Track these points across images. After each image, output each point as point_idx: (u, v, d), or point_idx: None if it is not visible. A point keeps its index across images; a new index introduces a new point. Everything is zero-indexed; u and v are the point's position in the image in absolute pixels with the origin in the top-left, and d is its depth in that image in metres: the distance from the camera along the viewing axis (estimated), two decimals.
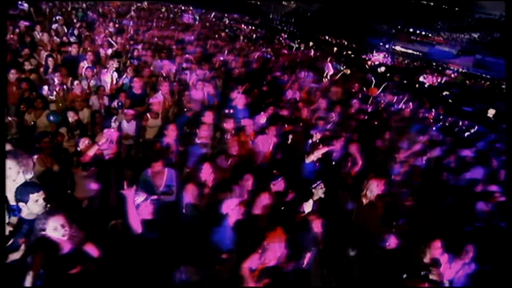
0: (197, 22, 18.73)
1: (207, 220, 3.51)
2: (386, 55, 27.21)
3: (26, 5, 11.13)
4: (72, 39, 9.00)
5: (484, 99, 16.03)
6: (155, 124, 5.54)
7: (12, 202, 2.84)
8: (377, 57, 25.62)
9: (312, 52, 16.07)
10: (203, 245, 3.32)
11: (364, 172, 5.16)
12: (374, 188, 4.32)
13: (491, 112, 13.84)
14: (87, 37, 8.72)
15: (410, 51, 30.81)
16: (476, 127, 9.99)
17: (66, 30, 9.58)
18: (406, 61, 27.38)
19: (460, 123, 10.71)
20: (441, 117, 10.48)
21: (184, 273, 3.25)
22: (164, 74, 7.65)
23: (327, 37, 26.59)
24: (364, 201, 4.33)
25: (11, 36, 7.55)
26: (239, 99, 6.46)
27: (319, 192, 4.06)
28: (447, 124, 10.45)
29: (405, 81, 16.91)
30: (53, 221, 2.54)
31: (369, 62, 22.36)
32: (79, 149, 3.86)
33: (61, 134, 4.31)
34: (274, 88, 8.57)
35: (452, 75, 24.75)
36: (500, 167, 6.58)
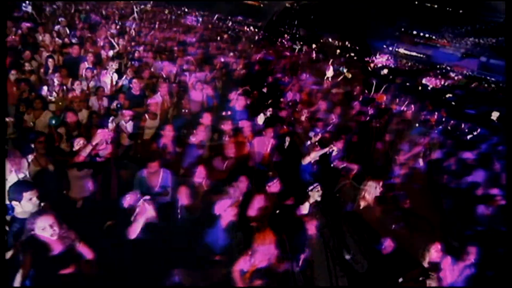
0: (199, 24, 18.80)
1: (201, 222, 3.49)
2: (390, 58, 27.08)
3: (30, 7, 11.23)
4: (74, 41, 9.06)
5: (488, 102, 15.88)
6: (153, 125, 5.55)
7: (5, 201, 2.84)
8: (380, 60, 25.52)
9: (314, 54, 16.05)
10: (196, 247, 3.30)
11: (363, 174, 5.12)
12: (372, 190, 4.28)
13: (495, 115, 13.69)
14: (88, 38, 8.77)
15: (414, 53, 30.63)
16: (479, 130, 9.88)
17: (68, 31, 9.64)
18: (409, 64, 27.23)
19: (463, 126, 10.60)
20: (443, 119, 10.39)
21: (177, 275, 3.22)
22: (164, 76, 7.67)
23: (330, 39, 26.54)
24: (362, 203, 4.29)
25: (13, 37, 7.61)
26: (237, 100, 6.45)
27: (315, 195, 4.02)
28: (449, 127, 10.35)
29: (407, 84, 16.81)
30: (42, 221, 2.53)
31: (372, 64, 22.28)
32: (74, 149, 3.86)
33: (59, 135, 4.32)
34: (274, 90, 8.55)
35: (456, 78, 24.56)
36: (502, 170, 6.49)
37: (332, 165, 5.78)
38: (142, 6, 20.27)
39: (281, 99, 7.79)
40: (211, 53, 11.09)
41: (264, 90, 8.25)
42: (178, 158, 4.70)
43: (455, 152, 7.14)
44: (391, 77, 17.38)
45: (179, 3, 25.62)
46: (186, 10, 25.08)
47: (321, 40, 25.43)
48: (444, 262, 3.73)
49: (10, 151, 2.95)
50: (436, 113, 10.53)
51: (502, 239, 4.59)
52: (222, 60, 9.96)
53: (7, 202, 2.85)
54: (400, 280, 3.51)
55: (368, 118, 7.74)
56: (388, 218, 4.25)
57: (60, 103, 5.74)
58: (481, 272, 4.02)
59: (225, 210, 3.17)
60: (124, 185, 4.21)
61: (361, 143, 6.70)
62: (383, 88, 9.97)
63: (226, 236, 3.22)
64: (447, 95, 16.95)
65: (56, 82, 5.88)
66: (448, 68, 27.84)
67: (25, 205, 2.79)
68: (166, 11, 21.48)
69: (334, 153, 5.15)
